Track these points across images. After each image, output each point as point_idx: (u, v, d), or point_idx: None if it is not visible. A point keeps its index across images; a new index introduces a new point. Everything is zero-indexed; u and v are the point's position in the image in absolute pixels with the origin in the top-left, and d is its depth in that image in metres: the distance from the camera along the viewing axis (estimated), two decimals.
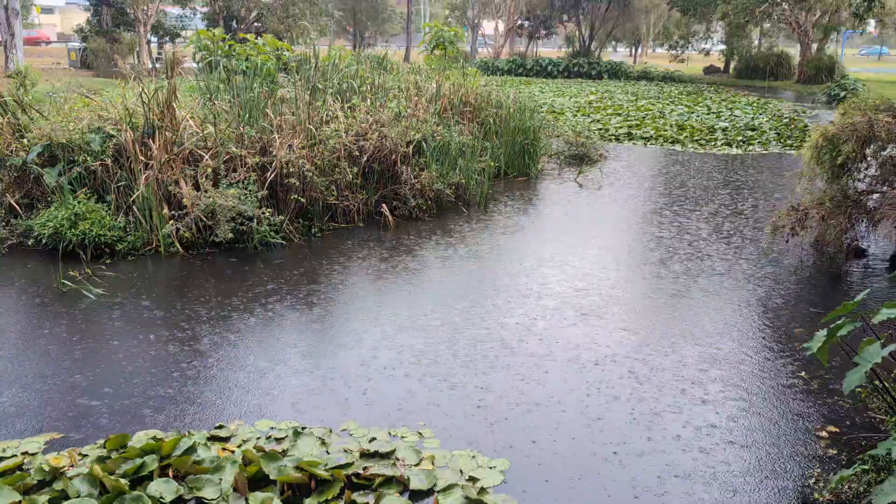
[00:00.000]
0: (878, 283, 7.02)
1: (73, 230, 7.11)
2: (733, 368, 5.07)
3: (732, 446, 4.08)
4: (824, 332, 3.64)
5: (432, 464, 3.84)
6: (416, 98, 11.01)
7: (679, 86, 34.58)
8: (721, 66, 44.77)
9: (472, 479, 3.72)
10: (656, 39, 54.46)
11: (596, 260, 7.52)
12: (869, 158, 7.44)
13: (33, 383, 4.68)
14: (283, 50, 11.47)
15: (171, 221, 7.34)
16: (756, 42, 44.51)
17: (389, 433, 4.14)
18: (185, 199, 7.33)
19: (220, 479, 3.60)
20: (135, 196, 7.46)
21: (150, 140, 7.70)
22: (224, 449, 3.90)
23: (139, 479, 3.60)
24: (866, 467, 3.55)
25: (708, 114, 21.42)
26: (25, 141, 7.81)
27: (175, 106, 7.93)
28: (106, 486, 3.48)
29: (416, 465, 3.83)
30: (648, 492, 3.67)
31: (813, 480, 3.76)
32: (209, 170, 7.61)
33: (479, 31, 54.16)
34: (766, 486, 3.73)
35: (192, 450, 3.80)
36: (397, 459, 3.86)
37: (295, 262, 7.28)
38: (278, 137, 8.22)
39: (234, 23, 35.00)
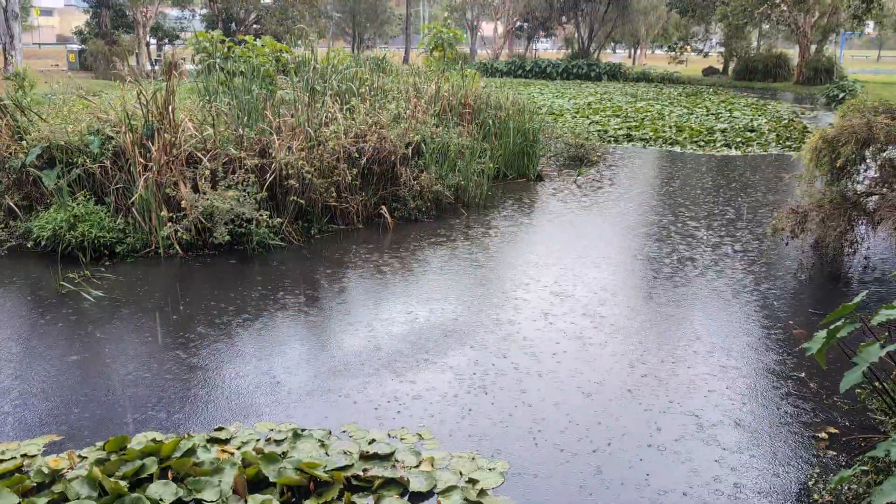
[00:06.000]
0: (877, 284, 7.03)
1: (72, 232, 7.10)
2: (732, 369, 5.07)
3: (731, 446, 4.08)
4: (824, 333, 3.64)
5: (432, 465, 3.84)
6: (415, 100, 11.02)
7: (678, 87, 34.62)
8: (720, 67, 44.83)
9: (472, 481, 3.72)
10: (655, 41, 54.57)
11: (595, 261, 7.52)
12: (868, 160, 7.45)
13: (32, 385, 4.67)
14: (282, 52, 11.46)
15: (170, 223, 7.33)
16: (755, 43, 44.58)
17: (389, 435, 4.14)
18: (183, 202, 7.33)
19: (220, 481, 3.60)
20: (134, 198, 7.46)
21: (149, 142, 7.71)
22: (223, 451, 3.89)
23: (139, 482, 3.60)
24: (866, 468, 3.55)
25: (707, 115, 21.45)
26: (24, 143, 7.81)
27: (174, 108, 7.93)
28: (105, 489, 3.48)
29: (416, 466, 3.83)
30: (647, 491, 3.67)
31: (812, 481, 3.77)
32: (208, 172, 7.61)
33: (479, 33, 54.20)
34: (766, 486, 3.73)
35: (191, 452, 3.80)
36: (397, 461, 3.86)
37: (294, 264, 7.28)
38: (277, 139, 8.22)
39: (232, 25, 35.01)
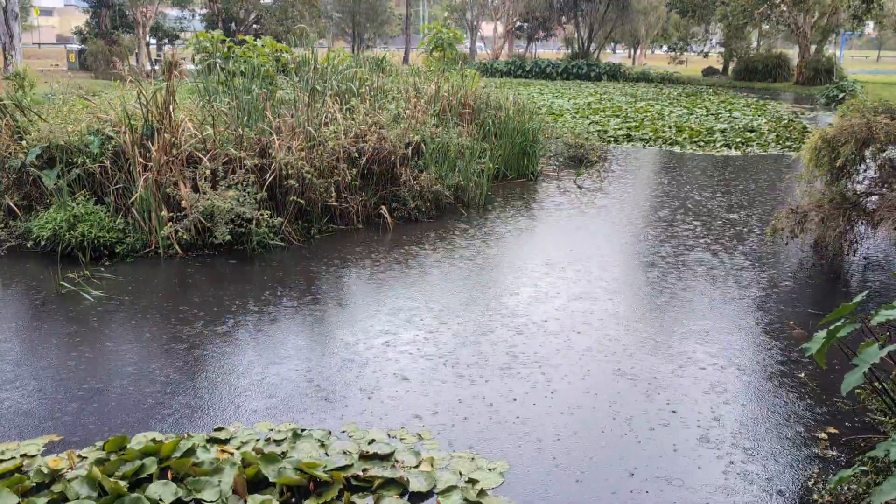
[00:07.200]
0: (877, 284, 7.03)
1: (71, 232, 7.10)
2: (732, 369, 5.07)
3: (731, 447, 4.08)
4: (823, 333, 3.64)
5: (431, 465, 3.84)
6: (414, 100, 11.02)
7: (678, 87, 34.63)
8: (720, 67, 44.83)
9: (472, 481, 3.72)
10: (655, 41, 54.55)
11: (594, 262, 7.52)
12: (868, 160, 7.45)
13: (32, 385, 4.67)
14: (282, 52, 11.47)
15: (170, 223, 7.33)
16: (755, 43, 44.58)
17: (388, 435, 4.14)
18: (183, 202, 7.33)
19: (220, 481, 3.60)
20: (134, 198, 7.46)
21: (149, 142, 7.71)
22: (223, 451, 3.89)
23: (138, 482, 3.60)
24: (865, 468, 3.55)
25: (707, 115, 21.45)
26: (24, 143, 7.81)
27: (174, 108, 7.93)
28: (105, 489, 3.48)
29: (416, 466, 3.83)
30: (646, 492, 3.67)
31: (812, 481, 3.77)
32: (208, 171, 7.61)
33: (478, 33, 54.19)
34: (766, 486, 3.73)
35: (191, 451, 3.80)
36: (396, 461, 3.86)
37: (294, 264, 7.28)
38: (277, 139, 8.22)
39: (232, 25, 35.00)
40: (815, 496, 3.64)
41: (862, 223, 7.30)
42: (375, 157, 8.99)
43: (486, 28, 58.45)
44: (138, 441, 3.95)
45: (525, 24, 49.61)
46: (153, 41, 35.21)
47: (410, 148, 9.40)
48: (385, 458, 3.89)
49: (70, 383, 4.71)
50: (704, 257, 7.72)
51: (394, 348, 5.32)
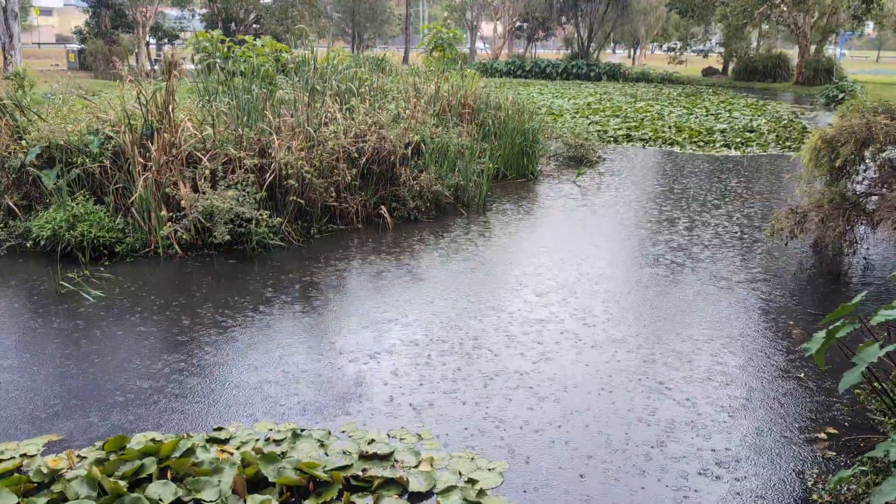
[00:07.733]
0: (876, 284, 7.03)
1: (71, 232, 7.10)
2: (732, 369, 5.07)
3: (730, 446, 4.08)
4: (823, 333, 3.64)
5: (431, 465, 3.84)
6: (414, 100, 11.02)
7: (677, 87, 34.63)
8: (720, 67, 44.83)
9: (472, 481, 3.72)
10: (655, 41, 54.55)
11: (594, 262, 7.52)
12: (867, 161, 7.45)
13: (31, 385, 4.67)
14: (282, 52, 11.47)
15: (170, 223, 7.33)
16: (754, 44, 44.59)
17: (388, 435, 4.14)
18: (183, 201, 7.33)
19: (219, 481, 3.60)
20: (133, 198, 7.46)
21: (149, 142, 7.70)
22: (223, 451, 3.89)
23: (138, 481, 3.60)
24: (865, 468, 3.56)
25: (706, 115, 21.45)
26: (24, 142, 7.81)
27: (173, 108, 7.92)
28: (105, 488, 3.48)
29: (415, 466, 3.83)
30: (647, 493, 3.67)
31: (811, 482, 3.77)
32: (207, 171, 7.61)
33: (478, 33, 54.21)
34: (765, 486, 3.73)
35: (190, 451, 3.80)
36: (396, 461, 3.87)
37: (293, 264, 7.28)
38: (277, 139, 8.22)
39: (232, 24, 35.00)
40: (815, 496, 3.64)
41: (862, 223, 7.31)
42: (375, 157, 8.99)
43: (486, 28, 58.45)
44: (138, 441, 3.95)
45: (525, 25, 49.61)
46: (153, 41, 35.21)
47: (410, 148, 9.40)
48: (385, 458, 3.89)
49: (69, 383, 4.71)
50: (704, 257, 7.72)
51: (394, 349, 5.32)
